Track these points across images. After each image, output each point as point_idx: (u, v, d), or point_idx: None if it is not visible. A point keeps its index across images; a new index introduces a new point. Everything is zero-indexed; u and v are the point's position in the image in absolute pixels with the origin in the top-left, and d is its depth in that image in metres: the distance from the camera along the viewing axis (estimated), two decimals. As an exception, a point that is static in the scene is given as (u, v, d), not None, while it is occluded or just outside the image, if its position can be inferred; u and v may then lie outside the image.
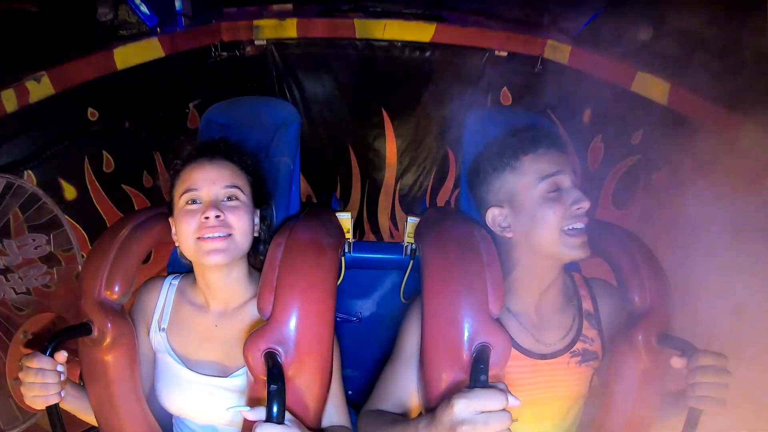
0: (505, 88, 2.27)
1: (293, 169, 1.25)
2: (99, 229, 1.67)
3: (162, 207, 1.12)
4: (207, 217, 0.94)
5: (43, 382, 0.85)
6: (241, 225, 0.97)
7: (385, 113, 2.44)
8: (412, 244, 1.41)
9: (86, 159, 1.64)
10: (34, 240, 1.29)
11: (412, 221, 1.35)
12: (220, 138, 1.09)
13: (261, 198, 1.07)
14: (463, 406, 0.71)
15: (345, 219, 1.33)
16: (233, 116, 1.28)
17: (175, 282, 1.10)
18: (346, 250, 1.44)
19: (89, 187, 1.66)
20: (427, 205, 1.34)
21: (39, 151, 1.48)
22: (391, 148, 2.52)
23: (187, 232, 0.95)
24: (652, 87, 1.69)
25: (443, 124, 2.40)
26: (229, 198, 0.98)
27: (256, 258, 1.09)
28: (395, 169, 2.59)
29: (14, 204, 1.25)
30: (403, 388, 0.99)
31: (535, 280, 1.01)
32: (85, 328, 0.93)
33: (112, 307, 0.96)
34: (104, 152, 1.71)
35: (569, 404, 1.04)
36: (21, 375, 0.86)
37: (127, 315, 1.01)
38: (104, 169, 1.72)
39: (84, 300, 0.97)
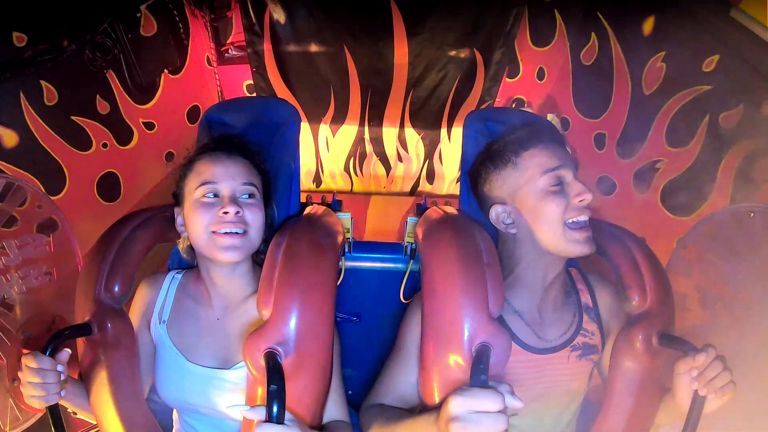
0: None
1: (293, 169, 1.25)
2: (55, 173, 1.43)
3: (162, 207, 1.12)
4: (226, 212, 0.94)
5: (42, 382, 0.85)
6: (257, 223, 0.98)
7: (394, 4, 1.94)
8: (412, 243, 1.41)
9: (21, 94, 1.35)
10: (33, 240, 1.29)
11: (412, 221, 1.35)
12: (233, 134, 1.10)
13: (267, 197, 1.08)
14: (456, 404, 0.70)
15: (345, 219, 1.33)
16: (233, 116, 1.28)
17: (178, 276, 1.10)
18: (346, 250, 1.44)
19: (31, 127, 1.37)
20: (427, 205, 1.31)
21: None
22: (401, 49, 1.99)
23: (201, 225, 0.95)
24: (764, 11, 1.22)
25: (472, 17, 1.89)
26: (248, 195, 0.99)
27: (257, 256, 1.10)
28: (406, 77, 2.07)
29: (14, 204, 1.24)
30: (404, 383, 0.99)
31: (539, 277, 1.01)
32: (85, 328, 0.93)
33: (112, 307, 0.97)
34: (42, 82, 1.40)
35: (569, 399, 1.05)
36: (21, 375, 0.86)
37: (126, 315, 1.01)
38: (46, 102, 1.42)
39: (84, 300, 0.97)
